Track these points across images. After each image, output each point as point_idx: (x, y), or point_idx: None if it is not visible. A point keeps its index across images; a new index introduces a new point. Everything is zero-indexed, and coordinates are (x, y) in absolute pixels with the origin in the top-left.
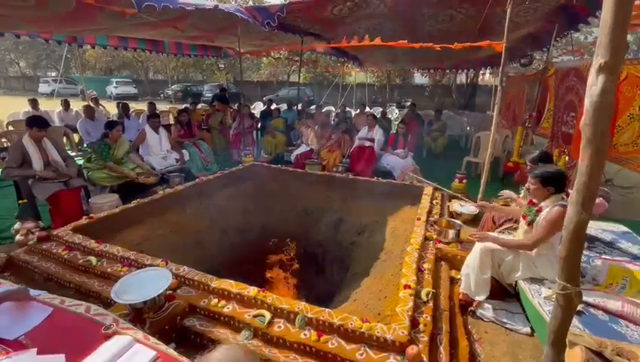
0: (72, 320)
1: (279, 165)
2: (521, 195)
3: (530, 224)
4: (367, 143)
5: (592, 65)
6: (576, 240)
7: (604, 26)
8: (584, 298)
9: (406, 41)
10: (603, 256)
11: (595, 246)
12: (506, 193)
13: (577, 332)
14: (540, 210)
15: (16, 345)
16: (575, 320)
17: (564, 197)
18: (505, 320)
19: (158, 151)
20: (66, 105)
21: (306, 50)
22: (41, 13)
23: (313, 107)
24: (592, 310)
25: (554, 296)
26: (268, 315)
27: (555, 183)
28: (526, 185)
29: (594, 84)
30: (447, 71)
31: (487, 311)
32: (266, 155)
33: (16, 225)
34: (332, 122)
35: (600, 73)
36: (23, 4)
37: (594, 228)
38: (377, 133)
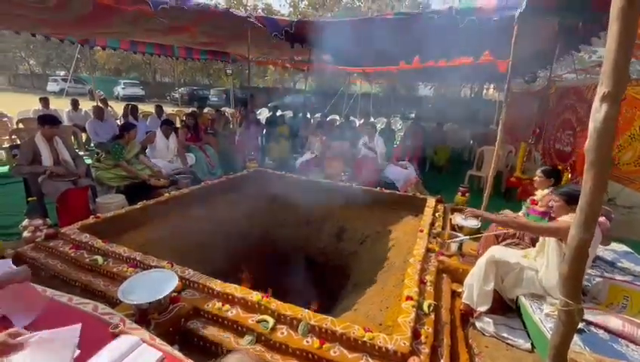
0: (80, 318)
1: (283, 172)
2: (521, 212)
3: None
4: (371, 155)
5: (597, 93)
6: (579, 258)
7: (609, 57)
8: (585, 316)
9: (413, 62)
10: (604, 275)
11: (597, 265)
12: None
13: (578, 350)
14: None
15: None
16: (576, 338)
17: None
18: (505, 335)
19: (165, 155)
20: (75, 105)
21: (312, 66)
22: (59, 16)
23: (318, 115)
24: (592, 328)
25: (555, 313)
26: (271, 321)
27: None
28: (550, 202)
29: (597, 112)
30: (452, 84)
31: (488, 325)
32: (270, 161)
33: (25, 222)
34: (336, 131)
35: (603, 101)
36: (41, 5)
37: None
38: (379, 144)
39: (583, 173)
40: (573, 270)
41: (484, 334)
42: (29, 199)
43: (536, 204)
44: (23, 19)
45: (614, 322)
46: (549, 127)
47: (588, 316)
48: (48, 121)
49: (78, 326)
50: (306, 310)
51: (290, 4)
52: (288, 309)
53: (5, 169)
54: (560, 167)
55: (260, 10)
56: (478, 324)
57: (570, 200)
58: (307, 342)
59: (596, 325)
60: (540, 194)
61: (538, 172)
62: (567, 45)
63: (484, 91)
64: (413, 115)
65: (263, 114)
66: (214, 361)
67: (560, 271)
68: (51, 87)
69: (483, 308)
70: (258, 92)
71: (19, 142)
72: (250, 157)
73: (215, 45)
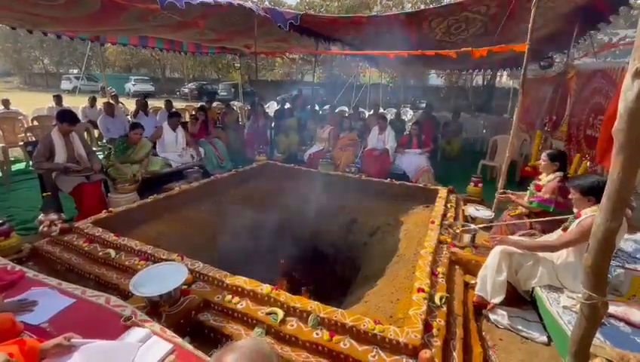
0: (93, 310)
1: (292, 164)
2: (526, 198)
3: (565, 229)
4: (380, 146)
5: (628, 70)
6: (604, 248)
7: None
8: None
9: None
10: (626, 266)
11: (618, 256)
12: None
13: (598, 344)
14: (579, 216)
15: (39, 331)
16: None
17: None
18: (520, 328)
19: (174, 148)
20: (93, 101)
21: (320, 53)
22: (69, 13)
23: (327, 107)
24: (613, 321)
25: (576, 306)
26: (281, 313)
27: (596, 193)
28: (570, 195)
29: (629, 89)
30: (464, 72)
31: (502, 317)
32: (279, 154)
33: (40, 217)
34: (345, 122)
35: (636, 78)
36: (52, 3)
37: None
38: (389, 138)
39: (601, 161)
40: (597, 261)
41: (497, 326)
42: (44, 194)
43: (540, 190)
44: (35, 17)
45: (637, 314)
46: (576, 112)
47: (609, 308)
48: (68, 118)
49: (137, 344)
50: (316, 302)
51: None
52: (297, 301)
53: (22, 166)
54: (578, 156)
55: (266, 3)
56: (491, 316)
57: (585, 192)
58: (317, 334)
59: (617, 318)
60: (544, 179)
61: (543, 155)
62: (585, 24)
63: (498, 79)
64: (424, 105)
65: (272, 107)
66: (230, 343)
67: (584, 263)
68: (65, 85)
69: (497, 300)
70: (266, 85)
71: (34, 139)
72: (259, 150)
73: (223, 41)
